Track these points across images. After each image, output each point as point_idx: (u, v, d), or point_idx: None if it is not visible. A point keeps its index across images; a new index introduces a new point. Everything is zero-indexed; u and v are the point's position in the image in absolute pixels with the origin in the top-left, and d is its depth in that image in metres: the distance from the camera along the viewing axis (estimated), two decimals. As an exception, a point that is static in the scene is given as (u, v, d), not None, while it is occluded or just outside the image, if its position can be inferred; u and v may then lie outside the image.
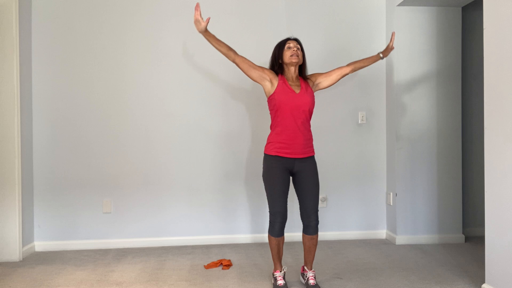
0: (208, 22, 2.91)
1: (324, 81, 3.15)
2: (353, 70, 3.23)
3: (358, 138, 4.41)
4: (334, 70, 3.20)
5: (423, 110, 4.25)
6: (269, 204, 3.01)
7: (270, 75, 3.01)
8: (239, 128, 4.30)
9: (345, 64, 3.26)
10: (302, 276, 3.18)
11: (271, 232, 3.02)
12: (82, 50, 4.17)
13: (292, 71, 3.01)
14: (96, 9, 4.18)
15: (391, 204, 4.32)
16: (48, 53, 4.14)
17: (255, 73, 3.01)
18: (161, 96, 4.24)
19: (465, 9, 4.43)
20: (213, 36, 2.99)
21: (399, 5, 4.18)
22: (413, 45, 4.24)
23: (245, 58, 3.04)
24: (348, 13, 4.40)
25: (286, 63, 3.00)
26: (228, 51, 3.00)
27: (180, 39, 4.25)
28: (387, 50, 3.32)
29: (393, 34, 3.35)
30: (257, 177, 4.23)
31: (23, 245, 3.89)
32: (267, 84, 3.00)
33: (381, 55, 3.29)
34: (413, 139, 4.25)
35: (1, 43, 3.74)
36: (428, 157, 4.25)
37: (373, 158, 4.44)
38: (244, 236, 4.32)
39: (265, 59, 4.17)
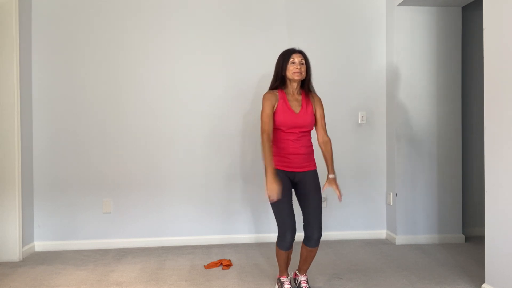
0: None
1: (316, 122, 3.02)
2: (320, 145, 3.03)
3: (358, 138, 4.41)
4: (321, 127, 3.01)
5: (423, 110, 4.25)
6: (276, 218, 2.91)
7: (272, 100, 2.90)
8: (239, 128, 4.29)
9: (327, 136, 3.02)
10: (294, 281, 3.16)
11: (280, 246, 2.92)
12: (82, 50, 4.17)
13: (294, 86, 2.95)
14: (96, 9, 4.18)
15: (391, 204, 4.32)
16: (48, 53, 4.14)
17: (272, 116, 2.89)
18: (161, 96, 4.24)
19: (465, 9, 4.43)
20: (271, 159, 2.81)
21: (399, 5, 4.18)
22: (413, 45, 4.24)
23: (267, 127, 2.86)
24: (348, 13, 4.40)
25: (288, 78, 2.94)
26: (271, 142, 2.87)
27: (179, 41, 4.25)
28: (329, 184, 2.98)
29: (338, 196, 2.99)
30: (257, 177, 4.23)
31: (23, 245, 3.89)
32: (273, 109, 2.92)
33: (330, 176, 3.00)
34: (413, 139, 4.25)
35: (1, 43, 3.74)
36: (428, 157, 4.25)
37: (373, 158, 4.44)
38: (244, 236, 4.32)
39: (264, 63, 4.20)
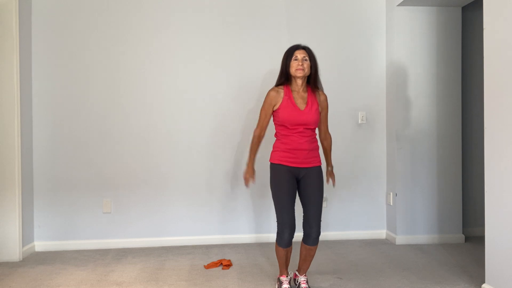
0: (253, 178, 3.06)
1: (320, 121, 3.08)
2: (321, 141, 3.15)
3: (358, 138, 4.41)
4: (324, 125, 3.09)
5: (423, 110, 4.25)
6: (277, 214, 2.93)
7: (273, 100, 2.94)
8: (239, 128, 4.30)
9: (328, 134, 3.14)
10: (294, 281, 3.15)
11: (279, 242, 2.93)
12: (81, 50, 4.17)
13: (298, 83, 2.94)
14: (96, 9, 4.18)
15: (391, 204, 4.32)
16: (48, 53, 4.14)
17: (269, 115, 2.99)
18: (161, 96, 4.24)
19: (465, 9, 4.43)
20: (254, 154, 3.08)
21: (399, 5, 4.18)
22: (413, 45, 4.24)
23: (262, 123, 3.01)
24: (348, 13, 4.40)
25: (292, 75, 2.93)
26: (261, 140, 3.07)
27: (180, 40, 4.25)
28: (328, 175, 3.18)
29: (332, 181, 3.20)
30: (258, 177, 4.21)
31: (23, 245, 3.89)
32: (276, 107, 2.95)
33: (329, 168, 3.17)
34: (413, 139, 4.25)
35: (1, 43, 3.74)
36: (428, 157, 4.25)
37: (373, 158, 4.44)
38: (244, 236, 4.32)
39: (265, 60, 4.22)
